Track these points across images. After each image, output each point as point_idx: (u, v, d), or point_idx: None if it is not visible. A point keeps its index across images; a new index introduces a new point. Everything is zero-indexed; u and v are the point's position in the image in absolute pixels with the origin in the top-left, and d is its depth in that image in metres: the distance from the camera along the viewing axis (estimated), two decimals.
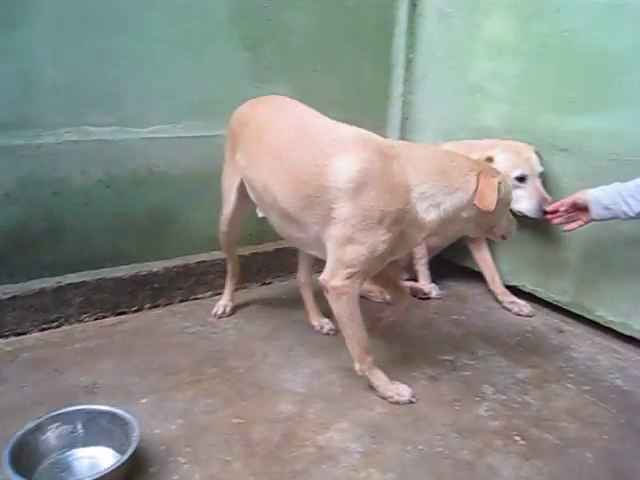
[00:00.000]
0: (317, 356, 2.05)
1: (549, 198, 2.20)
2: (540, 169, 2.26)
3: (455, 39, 2.67)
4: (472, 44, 2.59)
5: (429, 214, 1.72)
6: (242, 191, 2.07)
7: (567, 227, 2.09)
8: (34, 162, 2.11)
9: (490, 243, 2.58)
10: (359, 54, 2.78)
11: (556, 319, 2.41)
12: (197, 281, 2.45)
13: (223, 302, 2.35)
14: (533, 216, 2.22)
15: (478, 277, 2.65)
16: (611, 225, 2.17)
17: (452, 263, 2.77)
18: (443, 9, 2.70)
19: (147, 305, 2.36)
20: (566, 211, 2.06)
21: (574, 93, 2.23)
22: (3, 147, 2.06)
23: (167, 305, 2.40)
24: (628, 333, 2.18)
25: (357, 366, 1.83)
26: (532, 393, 1.90)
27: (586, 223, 2.03)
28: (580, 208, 2.01)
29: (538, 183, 2.25)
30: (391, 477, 1.50)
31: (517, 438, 1.68)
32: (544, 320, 2.40)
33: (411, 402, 1.81)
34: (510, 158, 2.23)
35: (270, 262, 2.61)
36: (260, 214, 2.15)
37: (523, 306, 2.45)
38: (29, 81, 2.06)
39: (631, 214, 1.86)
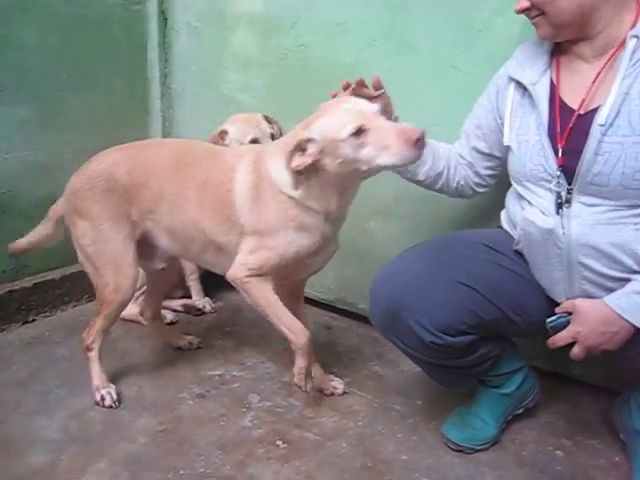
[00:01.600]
0: (78, 395, 1.93)
1: None
2: (269, 131, 2.35)
3: (206, 53, 2.68)
4: (222, 57, 2.63)
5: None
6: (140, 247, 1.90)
7: None
8: None
9: None
10: (111, 70, 2.66)
11: (325, 316, 2.56)
12: None
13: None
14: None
15: None
16: (360, 224, 2.35)
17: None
18: (192, 23, 2.70)
19: None
20: None
21: (313, 102, 2.36)
22: None
23: None
24: None
25: (293, 347, 1.78)
26: (297, 395, 1.96)
27: None
28: None
29: None
30: None
31: (279, 442, 1.74)
32: (314, 319, 2.52)
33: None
34: (241, 127, 2.34)
35: (30, 298, 2.40)
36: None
37: None
38: None
39: None
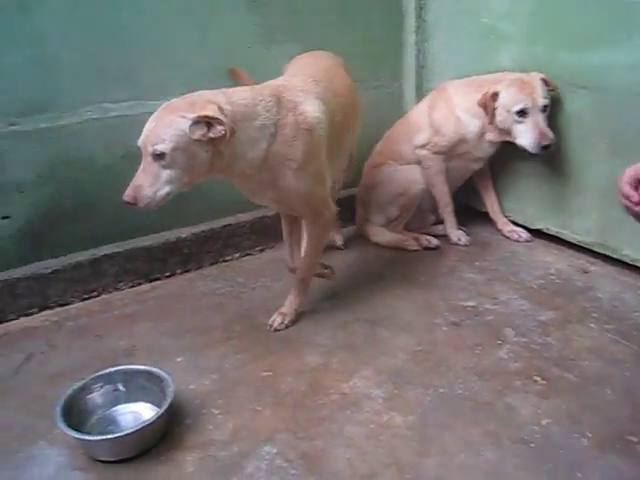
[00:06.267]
0: (342, 309, 2.12)
1: (550, 134, 2.23)
2: (543, 102, 2.23)
3: None
4: None
5: None
6: None
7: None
8: (60, 143, 2.22)
9: (505, 184, 2.63)
10: (368, 5, 2.74)
11: (581, 260, 2.39)
12: (224, 244, 2.53)
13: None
14: (532, 151, 2.26)
15: None
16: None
17: (474, 209, 2.77)
18: None
19: (178, 270, 2.47)
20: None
21: (591, 27, 2.16)
22: (30, 132, 2.16)
23: (197, 269, 2.51)
24: None
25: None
26: (554, 334, 1.92)
27: None
28: None
29: (540, 117, 2.24)
30: (412, 419, 1.57)
31: (537, 378, 1.72)
32: (569, 262, 2.39)
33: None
34: (513, 93, 2.25)
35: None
36: None
37: (521, 232, 2.58)
38: (45, 65, 2.14)
39: None
